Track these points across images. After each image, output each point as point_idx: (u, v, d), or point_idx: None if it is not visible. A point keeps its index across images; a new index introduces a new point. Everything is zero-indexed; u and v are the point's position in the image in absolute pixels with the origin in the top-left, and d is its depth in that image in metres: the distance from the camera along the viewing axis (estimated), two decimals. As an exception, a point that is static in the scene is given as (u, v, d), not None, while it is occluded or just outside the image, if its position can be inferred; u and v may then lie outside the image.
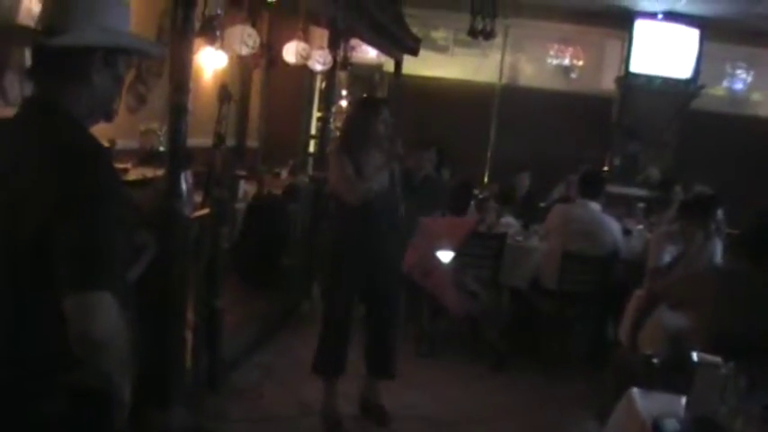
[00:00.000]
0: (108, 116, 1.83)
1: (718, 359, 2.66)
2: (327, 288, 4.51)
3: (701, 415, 2.57)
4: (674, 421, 2.53)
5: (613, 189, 9.95)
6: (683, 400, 2.73)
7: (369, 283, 4.38)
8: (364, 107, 4.62)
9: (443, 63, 11.12)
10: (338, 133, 5.87)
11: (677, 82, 10.35)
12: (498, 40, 9.91)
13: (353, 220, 4.29)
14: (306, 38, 7.82)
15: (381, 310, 4.49)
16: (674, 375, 3.03)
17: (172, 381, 3.92)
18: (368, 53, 10.57)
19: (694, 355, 2.67)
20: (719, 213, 5.43)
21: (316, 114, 10.17)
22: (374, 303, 4.48)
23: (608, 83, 10.80)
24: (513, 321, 6.10)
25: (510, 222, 6.86)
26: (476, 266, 6.08)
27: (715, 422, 2.51)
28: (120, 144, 6.12)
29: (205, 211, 4.25)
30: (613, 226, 6.04)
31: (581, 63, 11.22)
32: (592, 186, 6.07)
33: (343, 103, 11.55)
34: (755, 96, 11.10)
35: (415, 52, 9.44)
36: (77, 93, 1.72)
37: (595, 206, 5.98)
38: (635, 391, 2.89)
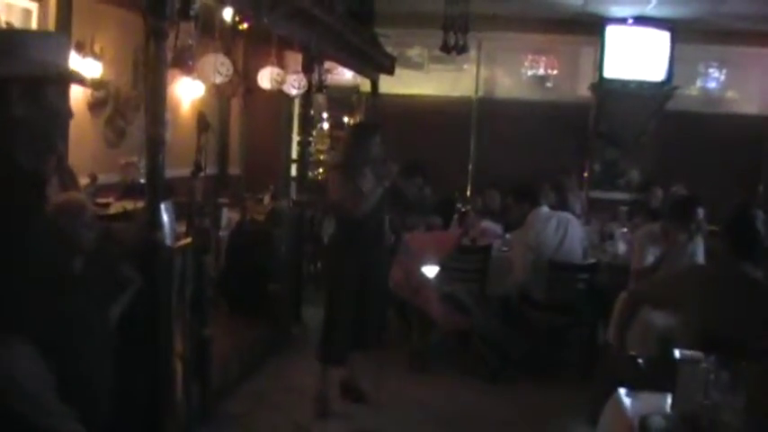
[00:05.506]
0: None
1: (699, 354, 2.68)
2: (331, 287, 5.03)
3: (686, 411, 2.60)
4: (659, 418, 2.56)
5: (595, 194, 10.04)
6: (669, 398, 2.75)
7: (361, 283, 4.89)
8: (362, 131, 5.31)
9: (419, 80, 11.19)
10: (336, 155, 6.36)
11: (651, 85, 10.43)
12: (473, 53, 9.99)
13: (352, 230, 4.90)
14: (280, 63, 7.87)
15: (372, 295, 4.96)
16: (660, 374, 3.05)
17: (163, 413, 3.92)
18: (344, 75, 10.62)
19: (676, 352, 2.70)
20: (700, 213, 5.50)
21: (296, 138, 10.19)
22: (365, 296, 4.92)
23: (583, 90, 10.86)
24: (504, 332, 6.11)
25: (490, 225, 6.90)
26: (462, 280, 6.11)
27: (700, 417, 2.54)
28: (102, 179, 6.14)
29: (188, 240, 4.25)
30: (577, 228, 6.23)
31: (555, 72, 11.31)
32: (532, 195, 6.29)
33: (325, 126, 11.60)
34: (729, 94, 11.21)
35: (390, 71, 9.51)
36: None
37: (549, 212, 6.11)
38: (621, 391, 2.91)
